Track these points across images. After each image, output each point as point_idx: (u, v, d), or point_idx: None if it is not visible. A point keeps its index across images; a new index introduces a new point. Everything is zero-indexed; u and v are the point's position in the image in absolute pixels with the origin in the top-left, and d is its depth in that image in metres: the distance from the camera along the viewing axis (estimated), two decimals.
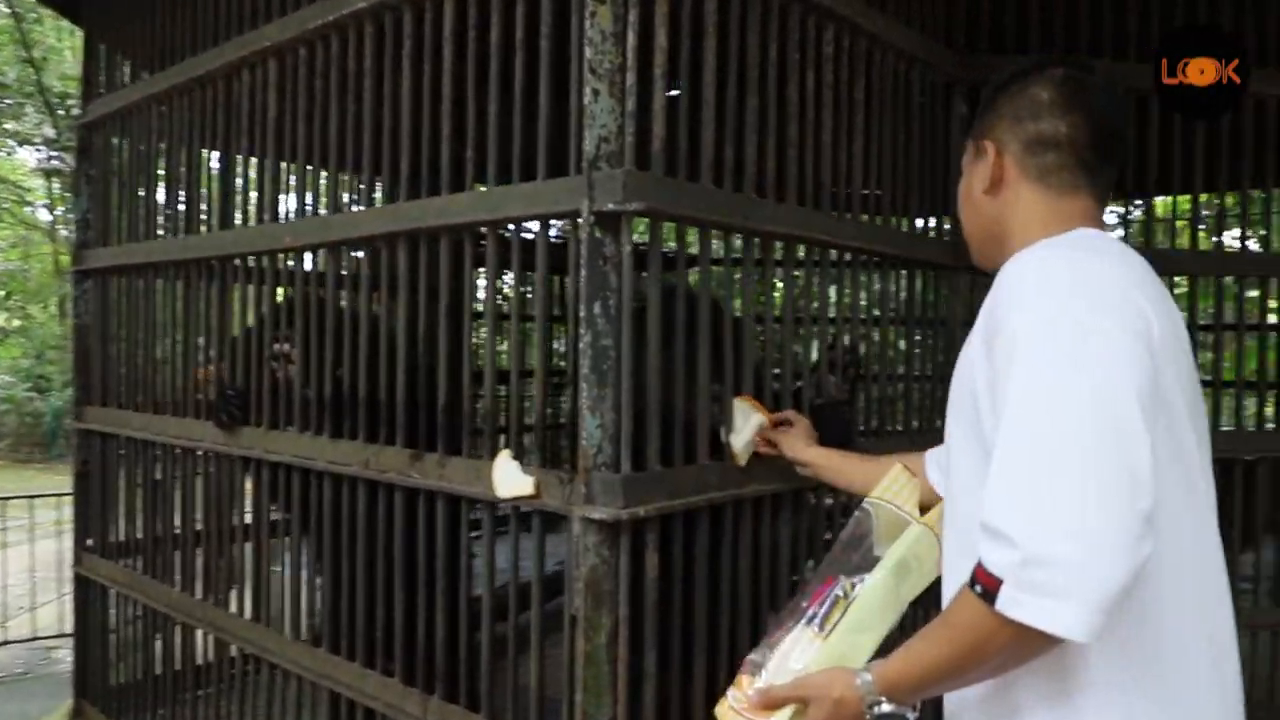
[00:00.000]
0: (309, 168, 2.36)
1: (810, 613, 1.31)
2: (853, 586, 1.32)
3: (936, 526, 1.35)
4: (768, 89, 1.97)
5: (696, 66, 1.83)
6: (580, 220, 1.64)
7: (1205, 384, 2.85)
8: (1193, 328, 2.77)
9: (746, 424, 1.82)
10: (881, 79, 2.34)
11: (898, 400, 2.51)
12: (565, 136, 1.74)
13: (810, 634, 1.29)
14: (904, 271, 2.48)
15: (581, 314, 1.65)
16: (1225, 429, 2.86)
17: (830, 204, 2.14)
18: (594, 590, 1.65)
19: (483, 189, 1.86)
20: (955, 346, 2.74)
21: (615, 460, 1.66)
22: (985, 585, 1.00)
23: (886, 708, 1.15)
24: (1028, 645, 1.01)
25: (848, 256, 2.23)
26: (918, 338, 2.60)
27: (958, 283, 2.72)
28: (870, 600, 1.30)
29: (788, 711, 1.22)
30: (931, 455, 1.58)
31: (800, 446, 1.81)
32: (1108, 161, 1.28)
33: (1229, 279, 2.86)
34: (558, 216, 1.75)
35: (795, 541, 2.08)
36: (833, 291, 2.19)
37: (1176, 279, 3.01)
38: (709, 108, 1.82)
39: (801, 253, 2.08)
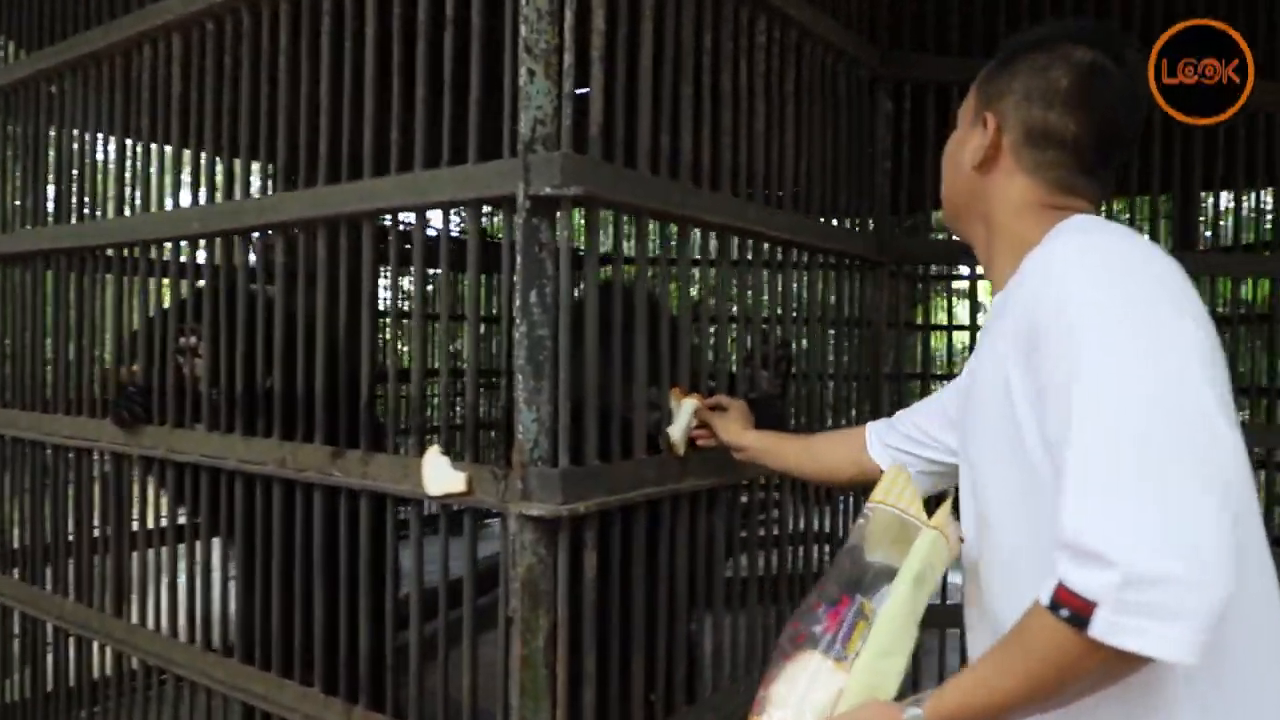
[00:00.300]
0: (218, 152, 2.23)
1: (828, 638, 1.12)
2: (872, 607, 1.14)
3: (946, 529, 1.19)
4: (702, 77, 1.94)
5: (632, 52, 1.79)
6: (516, 205, 1.58)
7: None
8: None
9: (681, 411, 1.78)
10: (810, 71, 2.34)
11: (826, 396, 2.51)
12: (498, 119, 1.68)
13: (830, 663, 1.11)
14: (833, 266, 2.49)
15: (517, 304, 1.59)
16: None
17: (762, 196, 2.13)
18: (531, 590, 1.59)
19: (410, 173, 1.77)
20: (880, 342, 2.79)
21: (552, 455, 1.60)
22: (1075, 609, 0.89)
23: None
24: (1120, 671, 0.92)
25: (779, 250, 2.22)
26: (837, 333, 2.61)
27: (882, 278, 2.75)
28: (893, 620, 1.13)
29: None
30: (875, 430, 1.56)
31: (736, 430, 1.78)
32: (1108, 166, 1.19)
33: None
34: (491, 202, 1.68)
35: (730, 536, 2.05)
36: (765, 285, 2.17)
37: None
38: (645, 93, 1.78)
39: (734, 245, 2.06)
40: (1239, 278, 3.25)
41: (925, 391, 3.06)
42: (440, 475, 1.71)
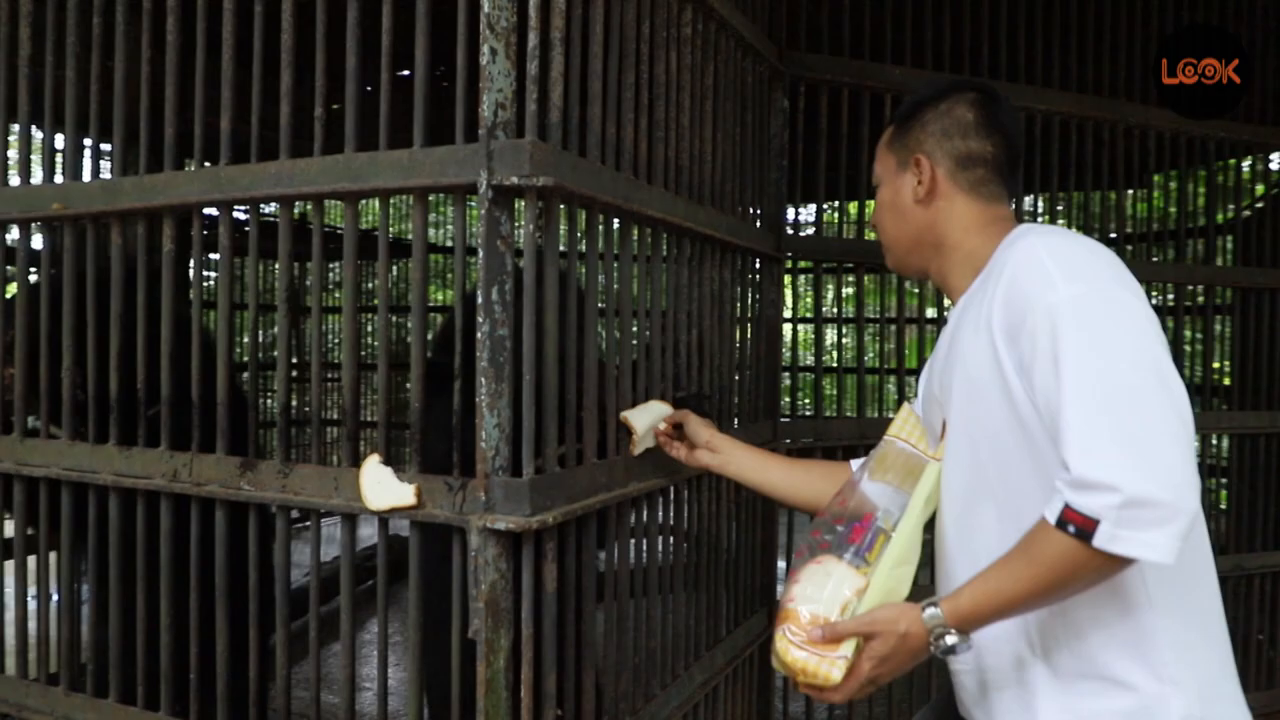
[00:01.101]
0: (82, 126, 1.95)
1: (853, 548, 1.35)
2: (891, 523, 1.37)
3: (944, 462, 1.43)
4: (641, 67, 1.87)
5: (583, 35, 1.70)
6: (478, 195, 1.47)
7: (872, 371, 3.22)
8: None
9: (647, 411, 1.72)
10: (725, 66, 2.32)
11: (732, 391, 2.50)
12: (443, 101, 1.56)
13: (852, 569, 1.33)
14: (739, 261, 2.48)
15: (479, 301, 1.48)
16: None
17: (686, 191, 2.09)
18: (493, 608, 1.49)
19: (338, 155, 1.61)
20: (778, 335, 2.82)
21: (514, 463, 1.50)
22: (1080, 526, 1.11)
23: (951, 639, 1.22)
24: (1110, 571, 1.15)
25: (699, 245, 2.18)
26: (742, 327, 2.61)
27: (778, 273, 2.78)
28: (908, 536, 1.37)
29: (851, 644, 1.27)
30: (859, 466, 1.63)
31: (711, 433, 1.77)
32: (1016, 172, 1.50)
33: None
34: (445, 190, 1.55)
35: (665, 536, 2.01)
36: (687, 281, 2.13)
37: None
38: (597, 79, 1.70)
39: (664, 241, 2.01)
40: None
41: (818, 381, 3.13)
42: (383, 488, 1.56)
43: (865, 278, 3.01)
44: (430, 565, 1.63)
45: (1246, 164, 4.44)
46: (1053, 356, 1.17)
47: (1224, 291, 4.01)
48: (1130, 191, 4.01)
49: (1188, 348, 4.27)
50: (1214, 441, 4.66)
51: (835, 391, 4.24)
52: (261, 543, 1.73)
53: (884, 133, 1.57)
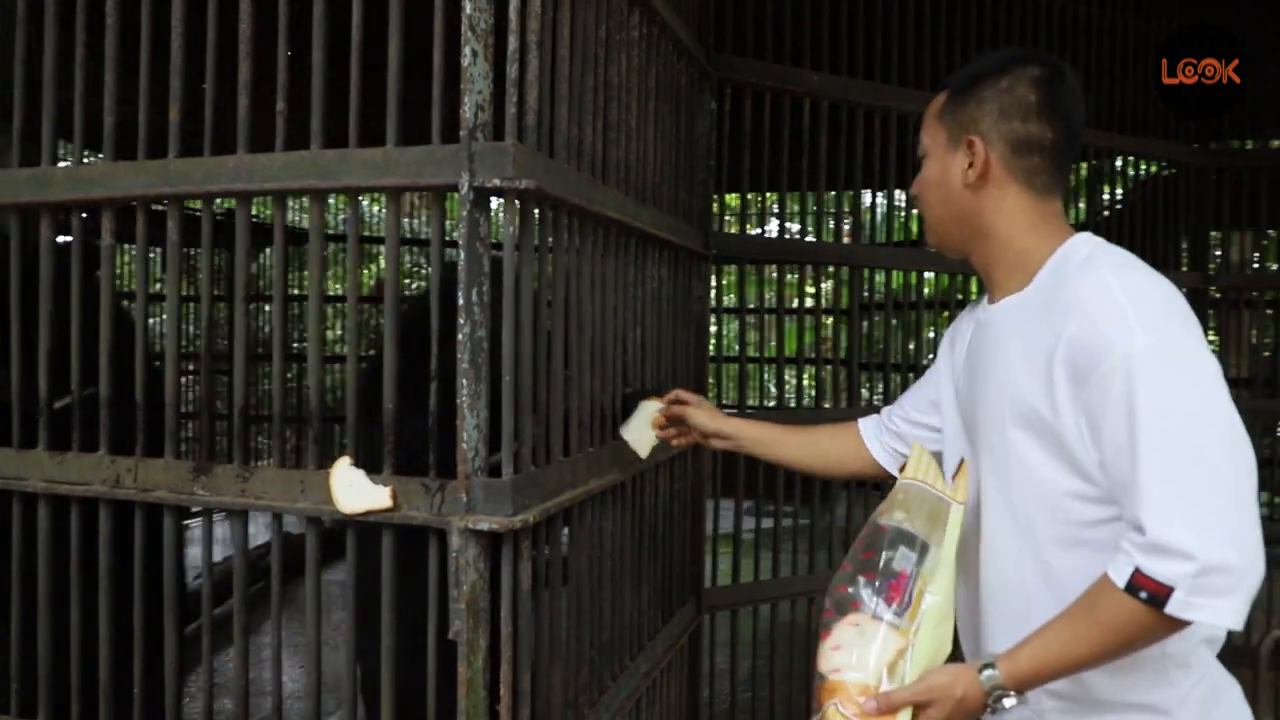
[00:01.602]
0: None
1: (894, 607, 1.27)
2: (926, 578, 1.29)
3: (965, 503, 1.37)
4: (598, 70, 1.89)
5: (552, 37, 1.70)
6: (460, 196, 1.46)
7: (753, 360, 3.36)
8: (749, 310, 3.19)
9: (639, 414, 1.75)
10: (664, 68, 2.36)
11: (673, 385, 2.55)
12: (418, 100, 1.54)
13: (894, 629, 1.26)
14: (675, 258, 2.53)
15: (460, 302, 1.48)
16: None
17: (634, 192, 2.12)
18: (474, 609, 1.49)
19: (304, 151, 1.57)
20: (703, 330, 2.89)
21: (494, 463, 1.51)
22: (1154, 593, 1.12)
23: (1010, 702, 1.21)
24: (1172, 633, 1.17)
25: (644, 244, 2.22)
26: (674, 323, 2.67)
27: (705, 269, 2.85)
28: (948, 590, 1.30)
29: (906, 715, 1.21)
30: (867, 427, 1.69)
31: (719, 418, 1.79)
32: (1072, 163, 1.42)
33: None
34: (422, 189, 1.54)
35: (623, 531, 2.05)
36: (633, 280, 2.17)
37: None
38: (564, 82, 1.71)
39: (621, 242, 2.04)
40: (890, 269, 3.49)
41: (743, 372, 3.21)
42: (356, 490, 1.54)
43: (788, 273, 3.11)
44: (366, 567, 1.61)
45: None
46: (1127, 410, 1.16)
47: None
48: None
49: None
50: None
51: (759, 383, 4.36)
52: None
53: (935, 99, 1.46)
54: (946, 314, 3.61)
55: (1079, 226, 1.50)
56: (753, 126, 2.93)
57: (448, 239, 3.11)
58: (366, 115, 1.57)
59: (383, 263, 8.19)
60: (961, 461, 1.43)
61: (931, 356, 2.03)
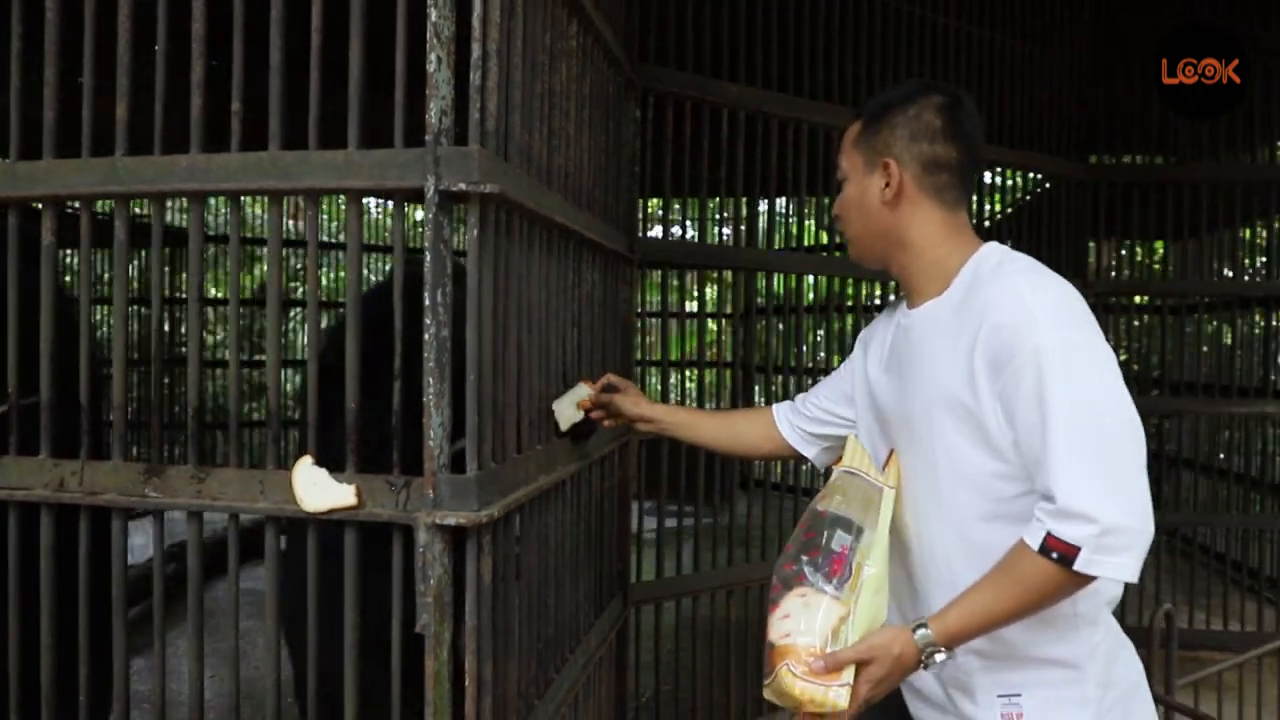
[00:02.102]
0: None
1: (835, 580, 1.43)
2: (865, 552, 1.46)
3: (897, 487, 1.55)
4: (543, 77, 1.95)
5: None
6: (426, 200, 1.50)
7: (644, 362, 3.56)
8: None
9: (569, 394, 1.81)
10: (597, 76, 2.42)
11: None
12: (383, 105, 1.57)
13: (836, 599, 1.41)
14: (606, 262, 2.60)
15: (426, 303, 1.51)
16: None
17: (571, 198, 2.18)
18: (440, 603, 1.53)
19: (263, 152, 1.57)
20: (629, 332, 2.96)
21: (459, 459, 1.55)
22: (1063, 553, 1.29)
23: (941, 656, 1.38)
24: (1080, 588, 1.35)
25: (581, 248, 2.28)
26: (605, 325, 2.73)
27: (630, 273, 2.92)
28: (884, 563, 1.48)
29: (850, 670, 1.37)
30: (781, 412, 1.82)
31: (644, 404, 1.89)
32: (975, 179, 1.59)
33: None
34: (385, 193, 1.56)
35: (564, 528, 2.10)
36: (571, 280, 2.23)
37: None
38: (517, 89, 1.76)
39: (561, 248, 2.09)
40: (801, 273, 3.63)
41: (665, 373, 3.30)
42: (320, 489, 1.56)
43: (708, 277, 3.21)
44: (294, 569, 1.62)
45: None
46: (1038, 397, 1.32)
47: None
48: None
49: None
50: None
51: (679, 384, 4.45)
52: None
53: (849, 129, 1.61)
54: (853, 317, 3.79)
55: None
56: (674, 135, 3.02)
57: (371, 244, 3.09)
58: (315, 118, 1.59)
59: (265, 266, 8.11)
60: (891, 451, 1.59)
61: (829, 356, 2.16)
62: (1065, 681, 1.46)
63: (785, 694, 1.39)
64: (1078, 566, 1.28)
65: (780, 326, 3.43)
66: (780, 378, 3.61)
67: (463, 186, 1.49)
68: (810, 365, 4.55)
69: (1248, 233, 5.79)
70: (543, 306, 1.95)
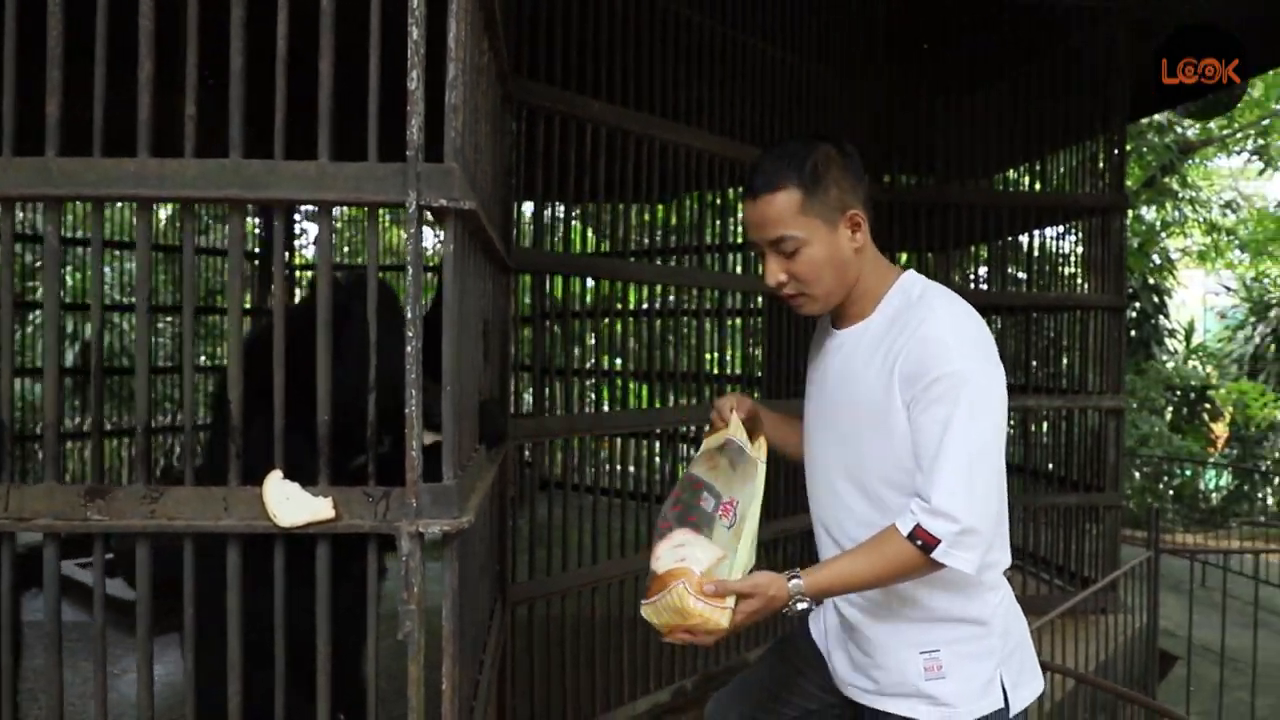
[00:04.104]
0: None
1: (725, 522, 1.72)
2: (745, 508, 1.76)
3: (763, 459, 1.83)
4: (474, 92, 1.99)
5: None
6: (407, 214, 1.52)
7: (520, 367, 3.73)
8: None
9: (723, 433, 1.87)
10: (493, 90, 2.47)
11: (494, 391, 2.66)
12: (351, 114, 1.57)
13: (720, 540, 1.70)
14: (491, 272, 2.65)
15: (408, 315, 1.54)
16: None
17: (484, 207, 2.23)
18: (422, 609, 1.56)
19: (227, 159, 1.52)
20: (506, 340, 3.00)
21: (436, 469, 1.58)
22: (926, 541, 1.57)
23: (803, 605, 1.62)
24: (930, 573, 1.62)
25: None
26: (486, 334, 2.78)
27: (507, 282, 2.98)
28: (758, 517, 1.77)
29: (731, 600, 1.61)
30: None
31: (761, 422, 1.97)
32: None
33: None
34: (361, 204, 1.56)
35: (478, 532, 2.14)
36: (480, 290, 2.27)
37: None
38: (469, 106, 1.80)
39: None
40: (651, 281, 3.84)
41: (537, 380, 3.36)
42: (294, 503, 1.54)
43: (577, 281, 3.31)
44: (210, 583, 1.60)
45: None
46: (944, 420, 1.57)
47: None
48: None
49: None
50: None
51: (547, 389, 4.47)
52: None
53: (783, 200, 1.67)
54: (696, 320, 4.02)
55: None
56: (545, 147, 3.11)
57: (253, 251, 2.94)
58: (259, 127, 1.57)
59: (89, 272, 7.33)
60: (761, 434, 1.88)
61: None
62: (975, 636, 1.72)
63: (677, 608, 1.61)
64: (935, 555, 1.56)
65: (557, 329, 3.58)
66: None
67: (443, 202, 1.53)
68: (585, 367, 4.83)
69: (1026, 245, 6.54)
70: (475, 317, 1.99)
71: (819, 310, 1.78)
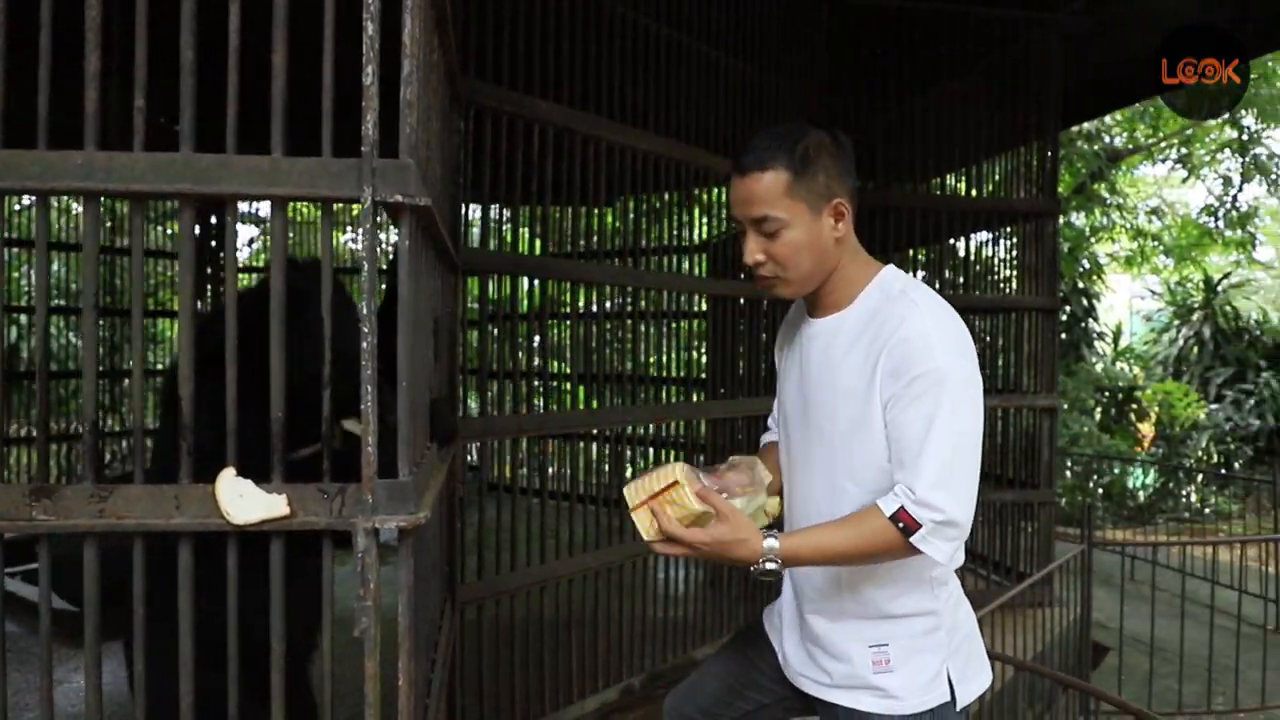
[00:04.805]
0: None
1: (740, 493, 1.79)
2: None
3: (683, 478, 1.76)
4: (427, 90, 1.99)
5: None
6: (362, 210, 1.52)
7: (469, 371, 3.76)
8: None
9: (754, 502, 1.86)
10: (443, 88, 2.47)
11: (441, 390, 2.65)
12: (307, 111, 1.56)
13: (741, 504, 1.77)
14: (441, 271, 2.64)
15: (363, 311, 1.53)
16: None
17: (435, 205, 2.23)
18: (378, 605, 1.56)
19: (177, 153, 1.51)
20: (455, 340, 2.99)
21: (391, 465, 1.58)
22: (908, 525, 1.60)
23: (772, 565, 1.65)
24: (906, 556, 1.65)
25: None
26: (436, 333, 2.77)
27: (454, 282, 2.97)
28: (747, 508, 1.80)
29: (712, 520, 1.66)
30: (768, 438, 2.05)
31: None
32: None
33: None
34: (314, 200, 1.56)
35: (430, 531, 2.14)
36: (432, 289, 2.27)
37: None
38: (424, 103, 1.80)
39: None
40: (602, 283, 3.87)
41: (482, 380, 3.34)
42: (247, 501, 1.53)
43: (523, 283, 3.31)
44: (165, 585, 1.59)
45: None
46: (928, 415, 1.59)
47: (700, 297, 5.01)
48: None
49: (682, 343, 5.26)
50: (697, 425, 5.78)
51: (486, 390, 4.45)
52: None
53: (771, 180, 1.68)
54: (631, 322, 4.05)
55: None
56: (492, 147, 3.11)
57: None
58: (209, 121, 1.55)
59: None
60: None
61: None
62: (923, 631, 1.76)
63: (662, 475, 1.67)
64: (914, 539, 1.59)
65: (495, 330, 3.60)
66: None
67: (399, 198, 1.53)
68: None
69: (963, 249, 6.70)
70: (428, 314, 1.99)
71: (790, 294, 1.79)
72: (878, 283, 1.76)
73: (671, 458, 6.36)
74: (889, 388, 1.64)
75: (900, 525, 1.60)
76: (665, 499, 1.67)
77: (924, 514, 1.59)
